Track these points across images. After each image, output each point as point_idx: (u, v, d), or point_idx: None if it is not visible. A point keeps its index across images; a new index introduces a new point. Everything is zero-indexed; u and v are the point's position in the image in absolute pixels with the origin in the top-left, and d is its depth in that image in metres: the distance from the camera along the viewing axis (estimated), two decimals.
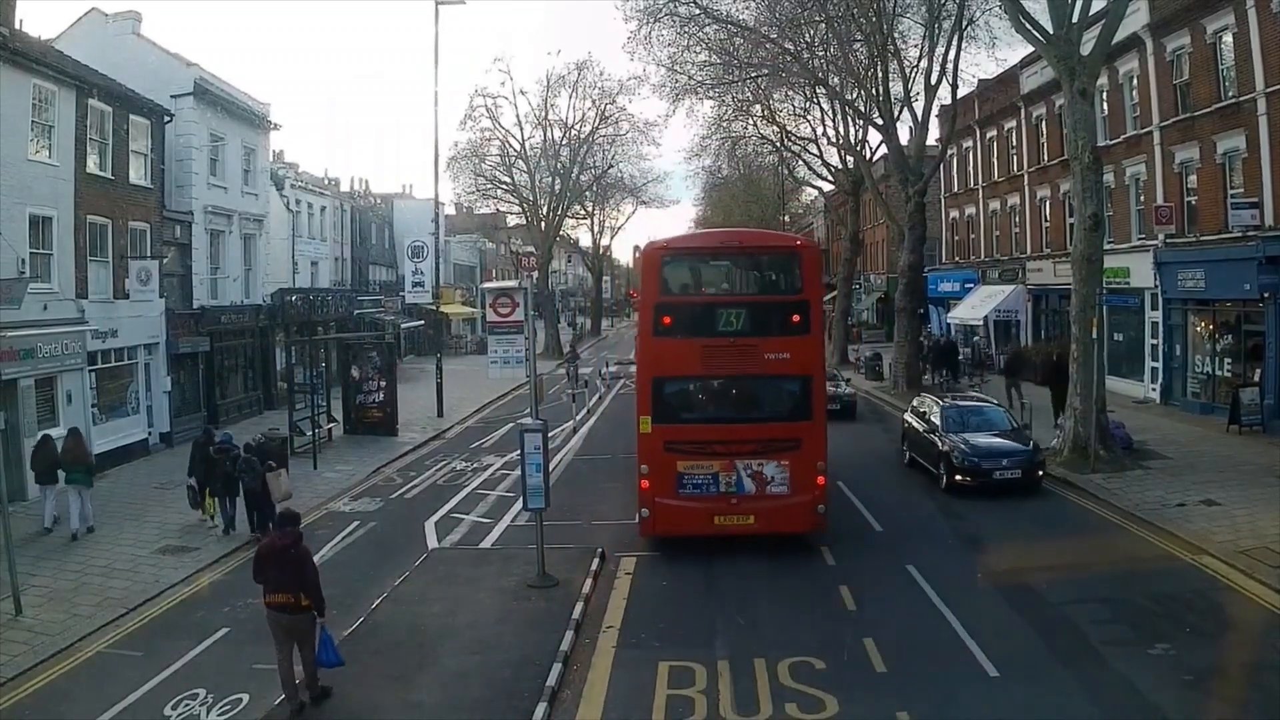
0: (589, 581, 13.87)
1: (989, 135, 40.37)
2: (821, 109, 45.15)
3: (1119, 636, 11.30)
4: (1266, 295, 21.92)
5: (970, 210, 43.47)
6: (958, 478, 18.37)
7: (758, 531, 15.11)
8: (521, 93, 72.77)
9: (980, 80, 39.60)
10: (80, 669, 11.62)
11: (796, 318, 15.18)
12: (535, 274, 49.19)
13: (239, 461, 17.21)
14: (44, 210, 21.39)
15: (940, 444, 19.19)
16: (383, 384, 28.45)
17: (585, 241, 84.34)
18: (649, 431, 15.33)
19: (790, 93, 44.96)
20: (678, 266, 16.19)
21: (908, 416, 22.06)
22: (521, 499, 15.38)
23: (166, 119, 27.13)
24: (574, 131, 55.73)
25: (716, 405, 15.98)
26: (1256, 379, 22.64)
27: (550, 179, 56.93)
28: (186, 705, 10.35)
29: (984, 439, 18.91)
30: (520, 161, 55.42)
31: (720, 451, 15.17)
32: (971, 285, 42.00)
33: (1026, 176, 36.53)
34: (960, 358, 36.47)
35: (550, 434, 15.38)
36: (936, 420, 19.92)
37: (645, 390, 15.59)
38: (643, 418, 15.48)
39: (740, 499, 15.10)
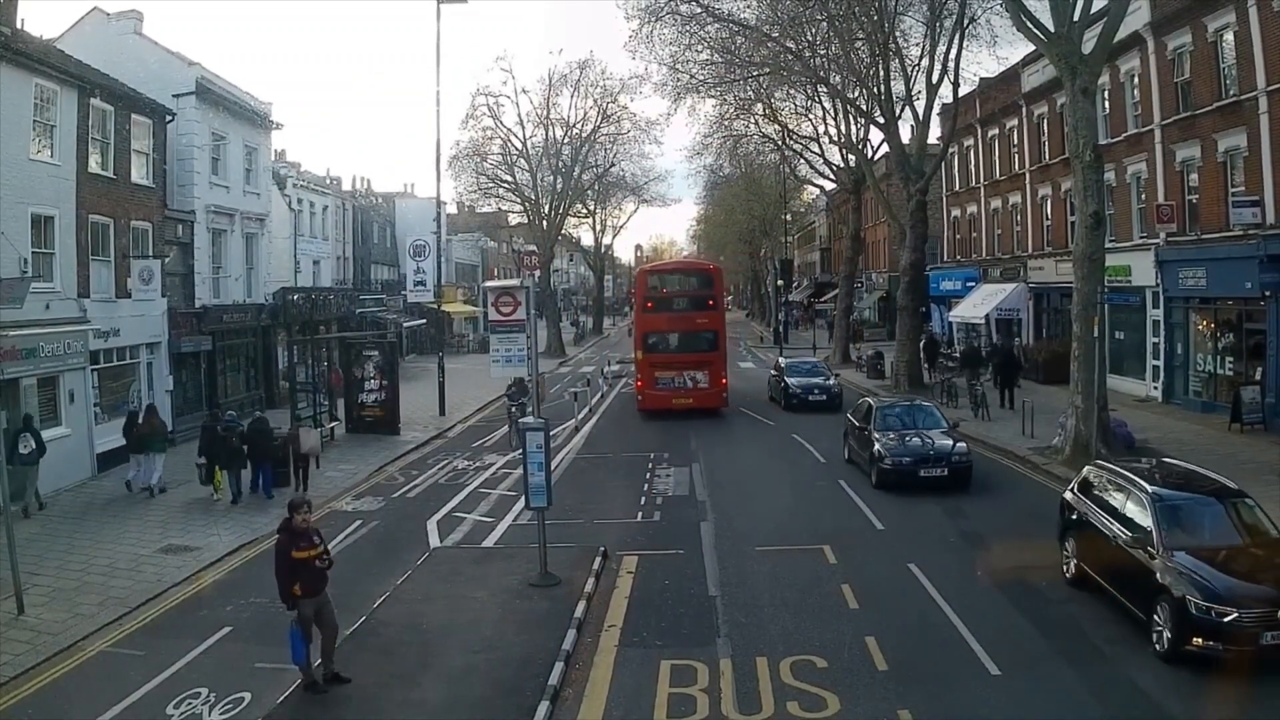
0: (591, 580, 13.87)
1: (990, 133, 40.36)
2: (823, 107, 45.23)
3: (1121, 634, 11.30)
4: (1268, 293, 21.94)
5: (972, 208, 43.47)
6: (1197, 641, 10.15)
7: (693, 406, 29.59)
8: (523, 91, 72.84)
9: (981, 79, 39.63)
10: (82, 668, 11.62)
11: (710, 302, 31.00)
12: (537, 272, 49.20)
13: (246, 436, 20.14)
14: (46, 210, 21.40)
15: (1159, 573, 10.75)
16: (384, 383, 28.46)
17: (587, 240, 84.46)
18: (641, 358, 30.66)
19: (792, 91, 45.03)
20: (655, 278, 33.08)
21: (1072, 497, 13.67)
22: (523, 498, 15.46)
23: (168, 118, 27.13)
24: (576, 130, 55.71)
25: (673, 344, 30.44)
26: (1258, 377, 22.66)
27: (552, 178, 56.91)
28: (189, 704, 10.35)
29: (1230, 574, 10.59)
30: (522, 160, 55.38)
31: (675, 367, 30.18)
32: (973, 284, 42.02)
33: (1028, 175, 36.52)
34: (953, 354, 36.62)
35: (552, 433, 15.78)
36: (1144, 520, 11.52)
37: (640, 339, 31.09)
38: (638, 352, 31.11)
39: (685, 390, 29.99)
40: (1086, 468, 14.27)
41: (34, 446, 18.77)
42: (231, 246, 31.62)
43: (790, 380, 31.57)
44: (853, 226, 47.32)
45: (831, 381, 31.81)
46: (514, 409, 26.45)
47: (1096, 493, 13.11)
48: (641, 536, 16.63)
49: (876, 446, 19.41)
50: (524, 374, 17.17)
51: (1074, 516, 13.37)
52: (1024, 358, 33.29)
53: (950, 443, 19.26)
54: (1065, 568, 13.32)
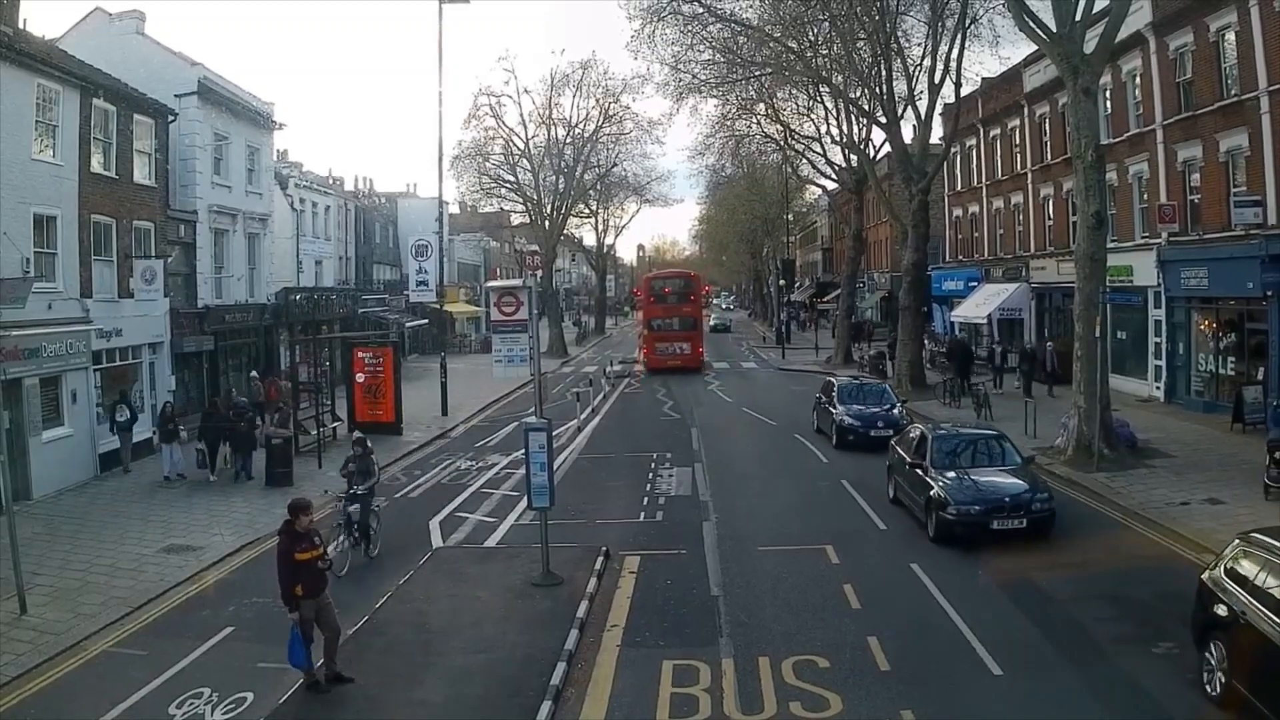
0: (593, 580, 13.88)
1: (992, 133, 40.33)
2: (825, 107, 45.28)
3: (1123, 635, 11.30)
4: (1270, 293, 21.92)
5: (974, 208, 43.45)
6: None
7: (680, 368, 43.09)
8: (525, 91, 72.05)
9: (983, 78, 39.66)
10: (85, 668, 11.63)
11: (692, 297, 47.24)
12: (539, 273, 49.06)
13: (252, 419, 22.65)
14: (48, 210, 21.41)
15: None
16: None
17: (589, 240, 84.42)
18: (647, 334, 47.00)
19: (794, 91, 45.13)
20: (657, 281, 50.26)
21: (1211, 578, 10.01)
22: (526, 498, 15.46)
23: (170, 118, 27.14)
24: (578, 130, 55.70)
25: (667, 325, 45.19)
26: (1260, 377, 22.62)
27: (554, 178, 56.86)
28: (191, 704, 10.36)
29: None
30: (524, 160, 55.32)
31: (668, 340, 44.64)
32: (975, 284, 41.98)
33: (1030, 175, 36.50)
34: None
35: (554, 433, 15.83)
36: None
37: (646, 321, 47.89)
38: (644, 331, 48.91)
39: (675, 356, 44.04)
40: (1235, 543, 10.06)
41: (128, 415, 22.83)
42: (234, 246, 31.63)
43: (841, 409, 24.37)
44: (855, 226, 47.35)
45: (896, 410, 24.37)
46: (346, 499, 15.63)
47: (1258, 582, 9.14)
48: (644, 536, 16.63)
49: (935, 489, 15.51)
50: (528, 373, 16.91)
51: (1222, 612, 9.47)
52: (1054, 360, 31.21)
53: (1028, 486, 15.41)
54: (1209, 681, 9.56)
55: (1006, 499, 15.07)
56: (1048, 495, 15.29)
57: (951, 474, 15.87)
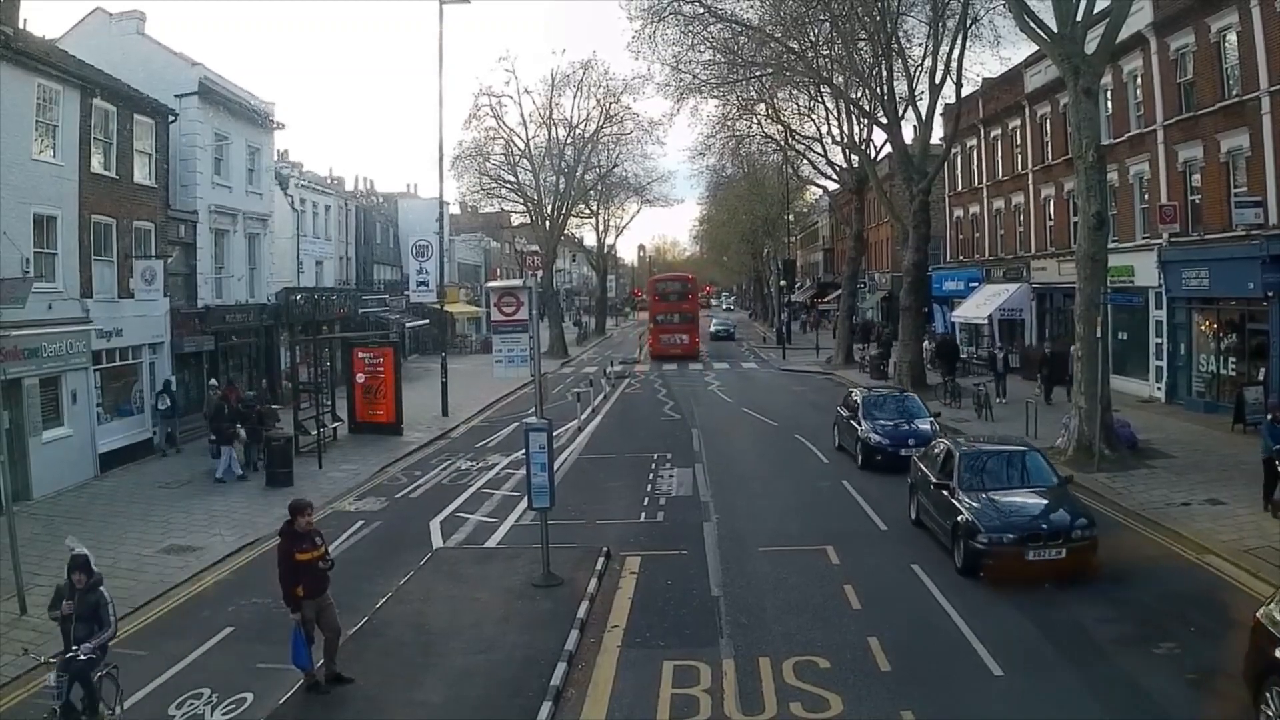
0: (594, 581, 13.87)
1: (993, 134, 40.31)
2: (826, 108, 45.26)
3: (1123, 636, 11.29)
4: (1271, 294, 21.90)
5: (974, 209, 43.43)
6: None
7: (680, 355, 52.18)
8: (526, 91, 71.96)
9: (984, 79, 39.62)
10: None
11: (690, 296, 56.98)
12: (540, 273, 48.99)
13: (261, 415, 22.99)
14: (48, 210, 21.41)
15: None
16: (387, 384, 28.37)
17: (590, 240, 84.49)
18: (652, 327, 55.88)
19: (794, 91, 45.15)
20: (660, 283, 60.08)
21: (1267, 616, 8.91)
22: (526, 498, 15.47)
23: (171, 118, 27.13)
24: (578, 130, 55.64)
25: (669, 320, 54.86)
26: (1261, 378, 22.61)
27: (555, 178, 56.84)
28: (191, 704, 10.37)
29: None
30: (525, 160, 55.28)
31: (670, 332, 54.12)
32: (976, 284, 41.96)
33: (1030, 175, 36.47)
34: (964, 357, 36.39)
35: (555, 433, 15.87)
36: None
37: (652, 317, 57.27)
38: (649, 324, 57.68)
39: (675, 345, 53.16)
40: None
41: (170, 404, 25.00)
42: (234, 246, 31.62)
43: (867, 425, 21.76)
44: (855, 227, 47.36)
45: (929, 425, 21.72)
46: (60, 664, 9.33)
47: None
48: (644, 537, 16.63)
49: (963, 514, 13.89)
50: (528, 373, 16.94)
51: None
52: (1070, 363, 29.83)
53: (1067, 511, 13.74)
54: None
55: (1044, 526, 13.49)
56: (1088, 522, 13.50)
57: (981, 496, 14.26)
